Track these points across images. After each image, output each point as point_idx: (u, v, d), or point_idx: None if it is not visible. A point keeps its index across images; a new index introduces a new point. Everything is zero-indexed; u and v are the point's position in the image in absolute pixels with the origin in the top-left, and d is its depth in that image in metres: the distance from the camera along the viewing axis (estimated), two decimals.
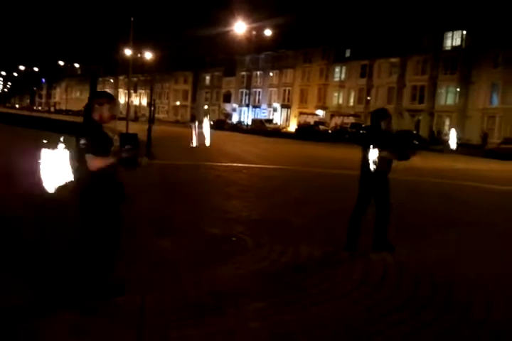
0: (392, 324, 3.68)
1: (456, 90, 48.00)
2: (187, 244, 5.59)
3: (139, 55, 70.07)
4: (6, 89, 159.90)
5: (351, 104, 59.01)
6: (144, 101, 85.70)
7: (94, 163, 3.59)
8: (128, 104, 22.65)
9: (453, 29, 48.70)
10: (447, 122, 48.27)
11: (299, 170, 14.85)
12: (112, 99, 3.88)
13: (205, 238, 5.91)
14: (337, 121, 50.61)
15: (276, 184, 11.68)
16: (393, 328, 3.61)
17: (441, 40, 49.80)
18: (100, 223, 3.73)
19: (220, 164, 15.16)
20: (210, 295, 4.03)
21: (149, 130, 16.53)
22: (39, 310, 3.63)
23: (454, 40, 49.13)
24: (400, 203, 7.01)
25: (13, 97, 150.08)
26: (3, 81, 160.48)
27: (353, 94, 59.23)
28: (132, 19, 20.43)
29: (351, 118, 50.92)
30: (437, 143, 36.61)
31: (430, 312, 3.96)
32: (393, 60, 53.17)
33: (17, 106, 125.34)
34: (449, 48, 49.50)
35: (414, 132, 41.21)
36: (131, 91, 76.49)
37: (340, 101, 60.51)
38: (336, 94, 61.29)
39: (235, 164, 15.47)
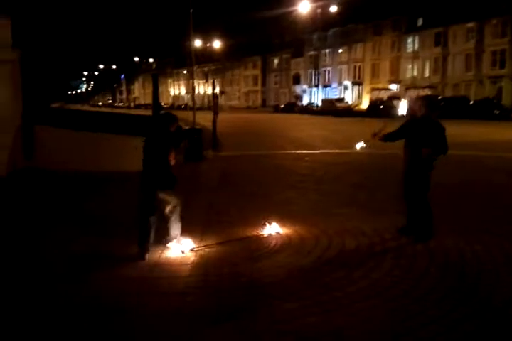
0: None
1: None
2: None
3: (207, 45, 71.21)
4: (89, 88, 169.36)
5: (426, 75, 56.41)
6: (217, 90, 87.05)
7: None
8: (193, 95, 23.14)
9: None
10: None
11: (365, 153, 14.49)
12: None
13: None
14: (412, 94, 48.73)
15: (337, 171, 11.60)
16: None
17: None
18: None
19: (284, 152, 15.25)
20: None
21: (214, 123, 16.87)
22: None
23: None
24: None
25: (96, 95, 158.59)
26: (86, 81, 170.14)
27: (427, 65, 56.51)
28: (191, 10, 20.81)
29: (427, 90, 48.86)
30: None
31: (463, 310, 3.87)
32: (470, 25, 49.95)
33: (100, 103, 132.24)
34: None
35: (495, 101, 38.72)
36: (203, 80, 78.02)
37: (415, 74, 58.02)
38: (409, 67, 58.84)
39: (299, 151, 15.48)
